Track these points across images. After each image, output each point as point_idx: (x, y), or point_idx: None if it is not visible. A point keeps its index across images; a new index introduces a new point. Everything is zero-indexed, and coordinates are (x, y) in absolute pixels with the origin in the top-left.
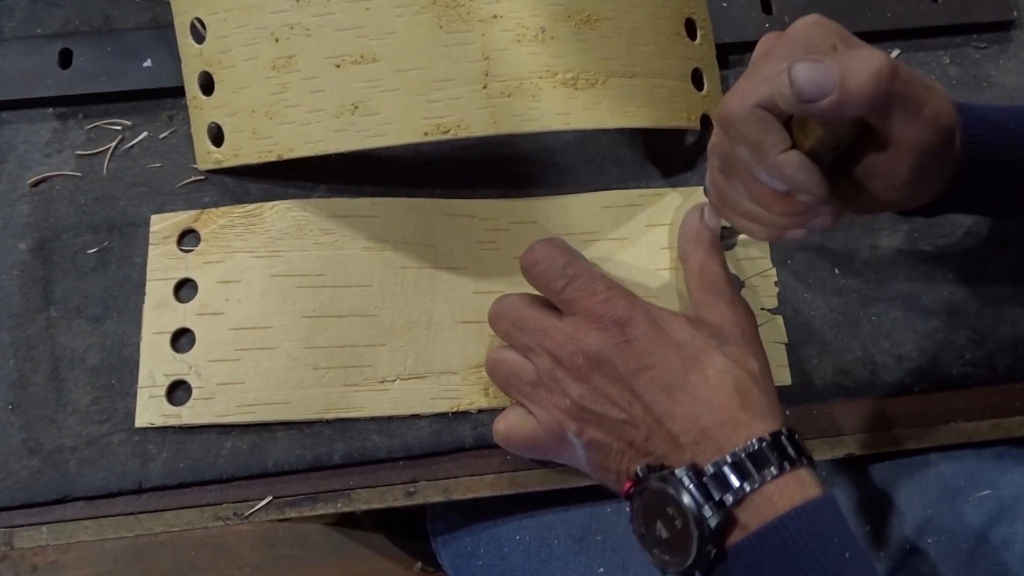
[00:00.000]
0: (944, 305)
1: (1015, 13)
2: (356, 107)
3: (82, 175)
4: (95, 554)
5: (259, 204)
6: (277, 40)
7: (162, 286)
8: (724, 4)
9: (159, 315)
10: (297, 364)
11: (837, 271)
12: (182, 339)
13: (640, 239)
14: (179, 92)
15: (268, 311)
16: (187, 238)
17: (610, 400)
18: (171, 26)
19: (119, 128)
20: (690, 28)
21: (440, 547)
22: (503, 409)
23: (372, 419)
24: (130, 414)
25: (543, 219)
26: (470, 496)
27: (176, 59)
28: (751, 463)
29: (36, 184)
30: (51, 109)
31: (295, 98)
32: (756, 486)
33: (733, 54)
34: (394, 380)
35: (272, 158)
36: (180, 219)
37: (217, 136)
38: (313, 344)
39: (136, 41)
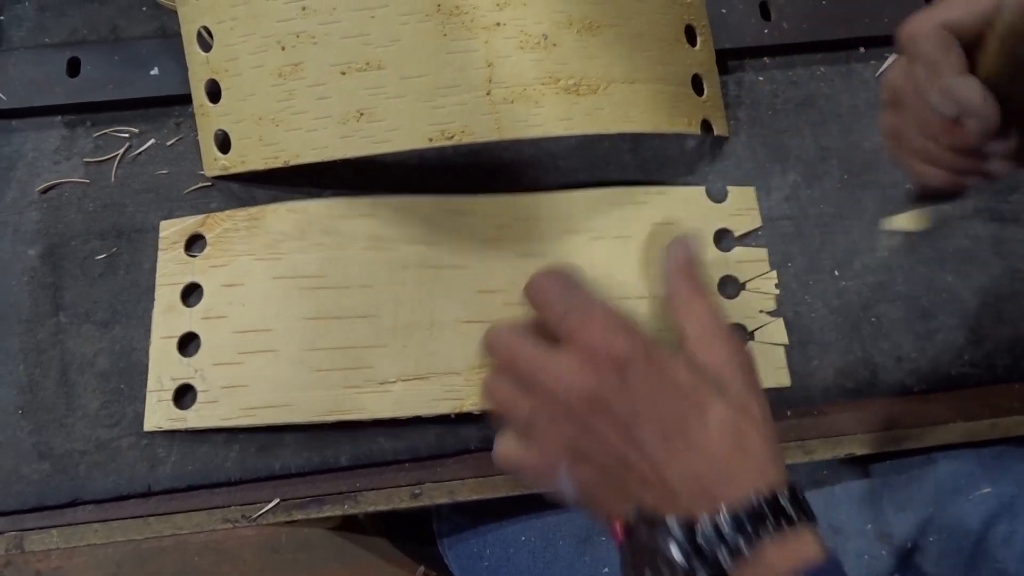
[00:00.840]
0: (943, 306)
1: None
2: (361, 114)
3: (90, 182)
4: (99, 560)
5: (261, 206)
6: (283, 48)
7: (170, 291)
8: (723, 11)
9: (167, 320)
10: (299, 366)
11: (837, 273)
12: (190, 344)
13: (644, 238)
14: (186, 100)
15: (270, 314)
16: (195, 243)
17: (605, 443)
18: (178, 35)
19: (127, 135)
20: (690, 34)
21: (446, 549)
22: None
23: (379, 422)
24: (139, 418)
25: (547, 216)
26: (476, 498)
27: (183, 67)
28: (748, 521)
29: (45, 191)
30: (60, 117)
31: (301, 105)
32: (753, 546)
33: (732, 60)
34: (395, 381)
35: (279, 164)
36: (187, 224)
37: (224, 143)
38: (314, 346)
39: (143, 50)
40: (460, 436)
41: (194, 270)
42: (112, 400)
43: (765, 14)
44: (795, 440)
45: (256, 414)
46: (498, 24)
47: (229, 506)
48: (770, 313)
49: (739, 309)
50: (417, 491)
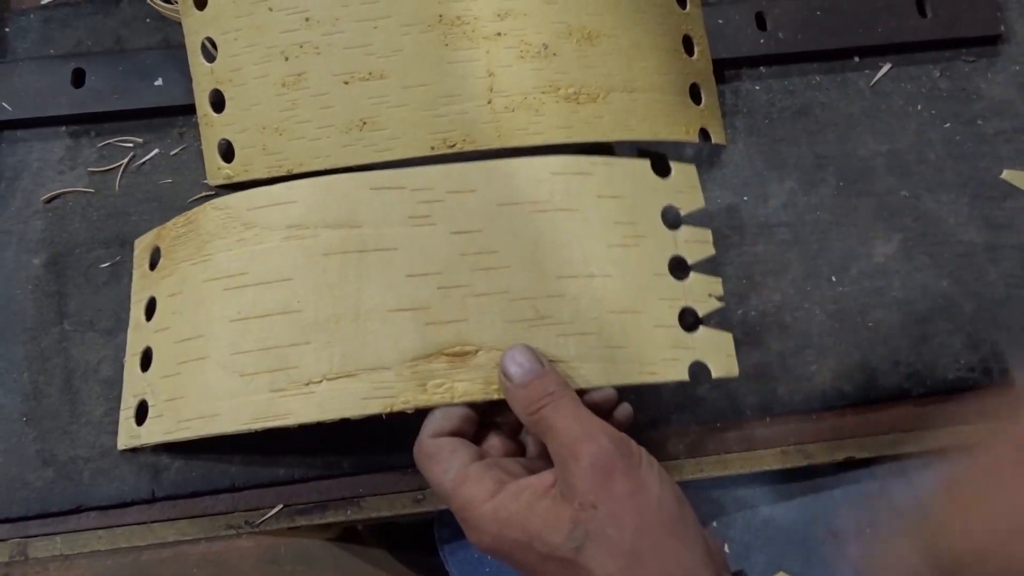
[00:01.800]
0: (939, 312)
1: (1002, 28)
2: (364, 122)
3: (95, 191)
4: (96, 571)
5: (195, 208)
6: (287, 58)
7: (137, 308)
8: (720, 21)
9: (134, 337)
10: (225, 372)
11: (834, 279)
12: (150, 359)
13: (591, 211)
14: (189, 110)
15: (200, 320)
16: (155, 256)
17: None
18: (181, 46)
19: (131, 145)
20: (687, 44)
21: (447, 555)
22: (441, 405)
23: (380, 426)
24: None
25: (484, 187)
26: None
27: (186, 77)
28: None
29: (50, 200)
30: (64, 127)
31: (305, 114)
32: None
33: (729, 69)
34: (320, 381)
35: (282, 173)
36: (148, 239)
37: (227, 152)
38: (239, 349)
39: (147, 61)
40: None
41: (152, 284)
42: (116, 407)
43: (761, 25)
44: (794, 444)
45: (189, 426)
46: (499, 34)
47: (232, 512)
48: (718, 298)
49: (688, 292)
50: (419, 496)
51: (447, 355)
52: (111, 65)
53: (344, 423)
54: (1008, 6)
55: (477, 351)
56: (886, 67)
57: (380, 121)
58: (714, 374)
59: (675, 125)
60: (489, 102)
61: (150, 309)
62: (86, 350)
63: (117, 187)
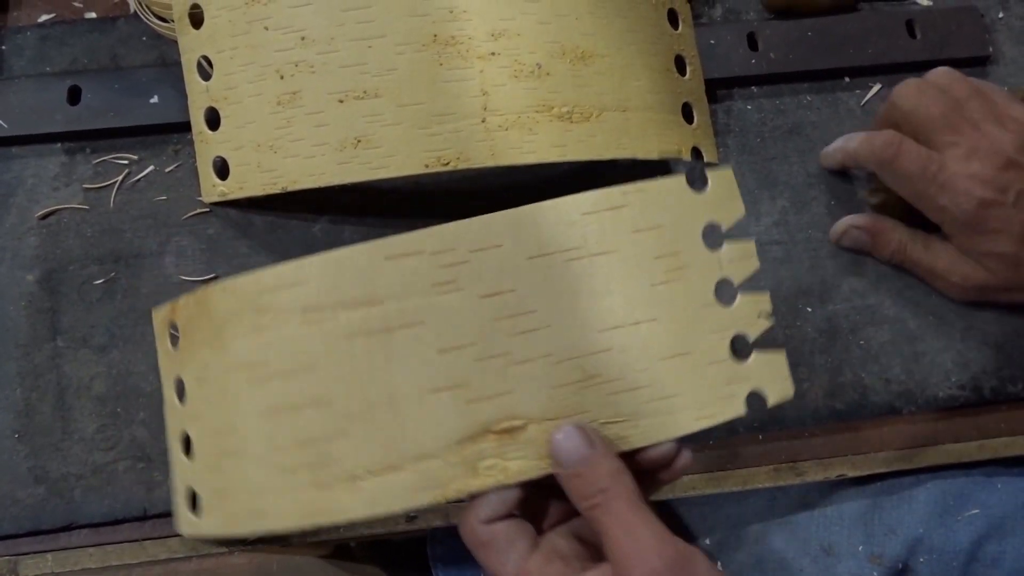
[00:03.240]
0: (930, 330)
1: (991, 49)
2: (359, 141)
3: (89, 208)
4: None
5: (205, 287)
6: (282, 77)
7: (168, 388)
8: (712, 41)
9: (171, 419)
10: (265, 468)
11: (826, 298)
12: (190, 444)
13: (628, 249)
14: (185, 127)
15: (231, 411)
16: (174, 332)
17: None
18: (177, 64)
19: (126, 162)
20: (680, 64)
21: (440, 572)
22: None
23: None
24: (135, 442)
25: (510, 240)
26: None
27: (181, 95)
28: None
29: (44, 217)
30: (59, 144)
31: (299, 132)
32: None
33: (721, 89)
34: (365, 475)
35: (276, 190)
36: (163, 312)
37: (222, 169)
38: (275, 444)
39: (143, 78)
40: None
41: (177, 364)
42: (108, 424)
43: (753, 45)
44: (787, 462)
45: (241, 523)
46: (493, 54)
47: None
48: (767, 316)
49: (737, 318)
50: (413, 513)
51: (495, 433)
52: (107, 83)
53: None
54: (996, 27)
55: (526, 424)
56: (876, 87)
57: (375, 139)
58: (771, 402)
59: (668, 144)
60: (483, 121)
61: (180, 389)
62: (79, 367)
63: (112, 204)
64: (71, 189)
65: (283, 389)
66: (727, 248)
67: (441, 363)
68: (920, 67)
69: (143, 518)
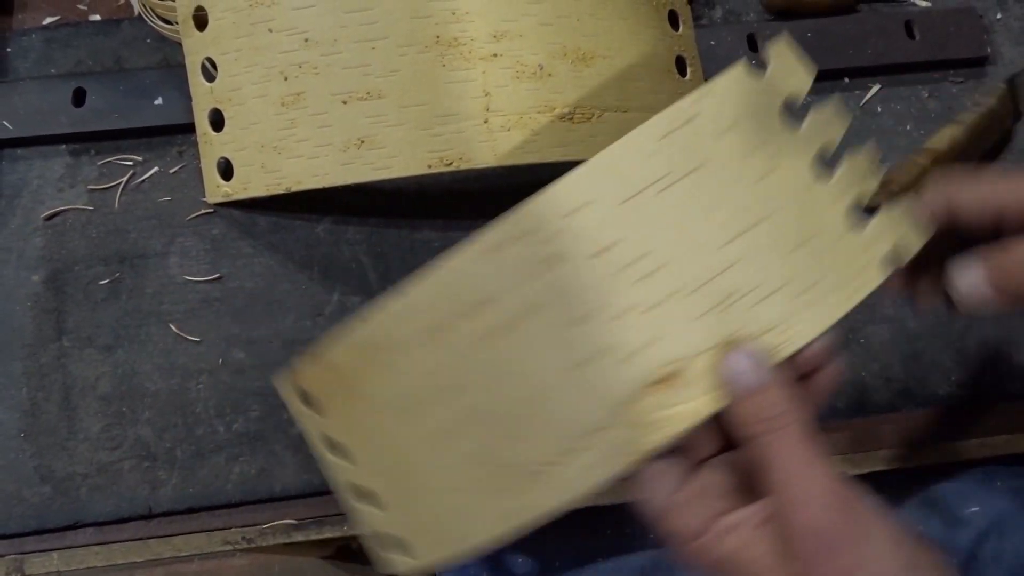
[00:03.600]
0: (930, 329)
1: (989, 50)
2: (362, 141)
3: (94, 209)
4: None
5: (324, 348)
6: (286, 78)
7: (319, 446)
8: (712, 43)
9: (339, 474)
10: (450, 493)
11: None
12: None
13: (717, 158)
14: (189, 128)
15: (393, 453)
16: (305, 398)
17: None
18: (181, 66)
19: (130, 163)
20: (680, 65)
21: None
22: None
23: None
24: (140, 441)
25: (595, 193)
26: None
27: (185, 96)
28: None
29: (49, 218)
30: (64, 145)
31: (303, 133)
32: None
33: None
34: (546, 469)
35: (280, 191)
36: (288, 382)
37: (226, 170)
38: (449, 467)
39: (147, 80)
40: None
41: (318, 423)
42: (113, 423)
43: (753, 46)
44: None
45: (450, 549)
46: (495, 55)
47: (229, 528)
48: (873, 172)
49: (844, 185)
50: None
51: (656, 383)
52: (111, 84)
53: None
54: (994, 29)
55: (684, 366)
56: (875, 88)
57: (378, 140)
58: (913, 250)
59: None
60: (485, 121)
61: (332, 447)
62: (84, 367)
63: (116, 205)
64: (76, 190)
65: (433, 415)
66: (810, 120)
67: (576, 337)
68: (919, 68)
69: (148, 516)
